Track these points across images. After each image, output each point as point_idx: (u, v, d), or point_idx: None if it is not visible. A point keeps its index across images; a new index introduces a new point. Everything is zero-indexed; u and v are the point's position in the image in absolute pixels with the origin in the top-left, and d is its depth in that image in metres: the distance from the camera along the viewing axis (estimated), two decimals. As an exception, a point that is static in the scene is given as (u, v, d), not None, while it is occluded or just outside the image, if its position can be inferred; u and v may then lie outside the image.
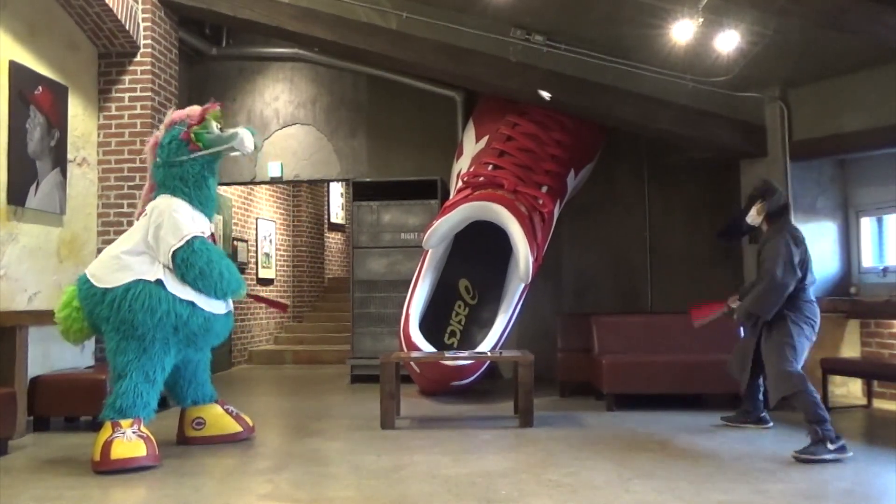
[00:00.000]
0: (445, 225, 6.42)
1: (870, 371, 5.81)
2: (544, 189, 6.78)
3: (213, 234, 4.59)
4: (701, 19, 5.16)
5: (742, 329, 5.07)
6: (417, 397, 6.64)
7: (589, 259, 8.17)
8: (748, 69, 6.01)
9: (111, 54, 6.49)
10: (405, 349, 6.17)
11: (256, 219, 10.54)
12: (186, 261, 4.21)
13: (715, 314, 5.05)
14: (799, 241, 4.56)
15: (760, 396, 5.03)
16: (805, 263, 4.52)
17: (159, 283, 4.17)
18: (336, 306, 11.74)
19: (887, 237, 6.60)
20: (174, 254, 4.21)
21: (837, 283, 6.63)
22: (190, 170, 4.44)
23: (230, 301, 4.58)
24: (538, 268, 6.64)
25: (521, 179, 6.68)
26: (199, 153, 4.43)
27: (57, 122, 5.84)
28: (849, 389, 6.44)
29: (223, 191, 9.28)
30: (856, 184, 6.69)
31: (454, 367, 6.07)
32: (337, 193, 13.70)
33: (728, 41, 5.44)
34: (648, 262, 8.13)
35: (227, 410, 4.79)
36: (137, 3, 6.42)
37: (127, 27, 6.23)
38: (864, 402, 6.00)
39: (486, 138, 7.19)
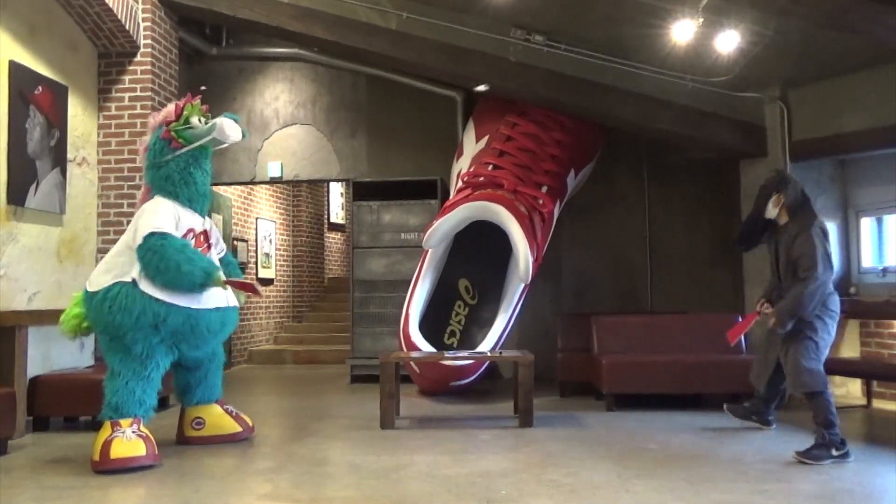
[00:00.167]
0: (445, 225, 6.42)
1: (869, 371, 5.81)
2: (544, 189, 6.78)
3: (206, 231, 4.55)
4: (701, 19, 5.16)
5: (769, 336, 4.73)
6: (417, 397, 6.64)
7: (589, 259, 8.18)
8: (748, 69, 6.01)
9: (111, 54, 6.49)
10: (405, 349, 6.17)
11: (256, 219, 10.55)
12: (143, 259, 4.16)
13: (750, 326, 4.80)
14: (826, 232, 4.40)
15: (775, 404, 4.91)
16: (830, 255, 4.40)
17: (134, 283, 4.16)
18: (336, 306, 11.74)
19: (887, 237, 6.60)
20: (136, 250, 4.20)
21: (837, 283, 6.60)
22: (175, 168, 4.41)
23: (226, 296, 4.47)
24: (538, 268, 6.65)
25: (521, 179, 6.68)
26: (183, 150, 4.40)
27: (57, 121, 5.84)
28: (848, 390, 6.44)
29: (223, 191, 9.29)
30: (855, 184, 6.69)
31: (454, 367, 6.07)
32: (337, 193, 13.70)
33: (728, 41, 5.44)
34: (648, 262, 8.13)
35: (226, 410, 4.79)
36: (137, 2, 6.42)
37: (127, 27, 6.22)
38: (863, 402, 6.00)
39: (486, 138, 7.19)
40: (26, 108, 5.47)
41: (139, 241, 4.17)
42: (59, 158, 5.85)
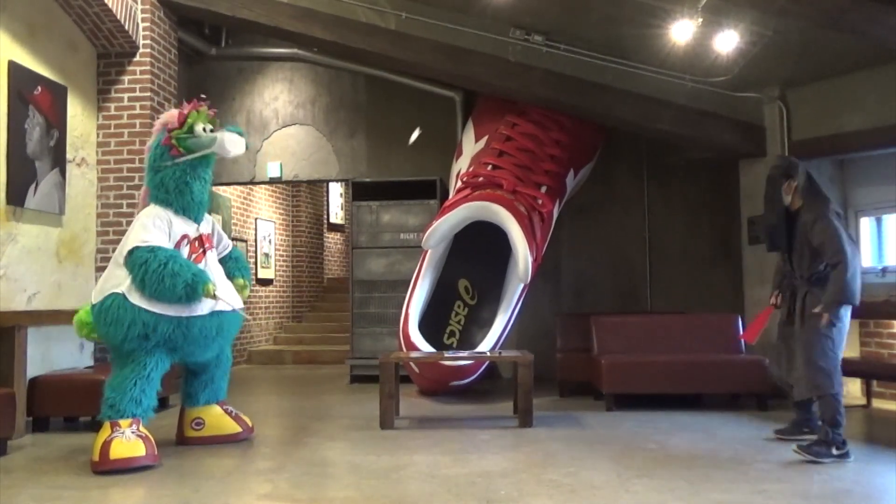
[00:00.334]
0: (445, 225, 6.42)
1: (869, 371, 5.81)
2: (543, 189, 6.78)
3: (201, 236, 4.50)
4: (700, 19, 5.16)
5: (784, 329, 4.57)
6: (417, 397, 6.64)
7: (588, 259, 8.18)
8: (748, 69, 6.01)
9: (110, 54, 6.48)
10: (404, 349, 6.17)
11: (256, 219, 10.54)
12: (130, 272, 4.18)
13: (766, 323, 4.68)
14: (840, 215, 4.30)
15: (816, 406, 4.48)
16: (852, 236, 4.28)
17: (124, 295, 4.17)
18: (335, 306, 11.74)
19: (886, 237, 6.61)
20: (125, 266, 4.21)
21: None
22: (171, 175, 4.37)
23: (226, 299, 4.43)
24: (537, 268, 6.65)
25: (521, 179, 6.68)
26: (181, 158, 4.36)
27: (56, 122, 5.84)
28: (848, 389, 6.43)
29: (222, 191, 9.28)
30: (855, 184, 6.69)
31: (453, 367, 6.07)
32: (336, 193, 13.70)
33: (727, 41, 5.45)
34: (648, 262, 8.13)
35: (226, 411, 4.79)
36: (137, 3, 6.41)
37: (126, 27, 6.22)
38: (863, 402, 6.00)
39: (485, 138, 7.19)
40: (25, 108, 5.47)
41: (124, 254, 4.21)
42: (58, 159, 5.85)
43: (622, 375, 5.83)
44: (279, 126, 8.50)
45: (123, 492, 3.64)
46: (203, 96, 4.62)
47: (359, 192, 7.87)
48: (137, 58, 6.48)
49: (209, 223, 4.65)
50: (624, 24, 5.81)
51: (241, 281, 4.82)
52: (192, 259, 4.36)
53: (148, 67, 6.48)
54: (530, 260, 6.22)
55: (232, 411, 4.82)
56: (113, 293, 4.20)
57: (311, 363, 9.92)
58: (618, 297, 8.09)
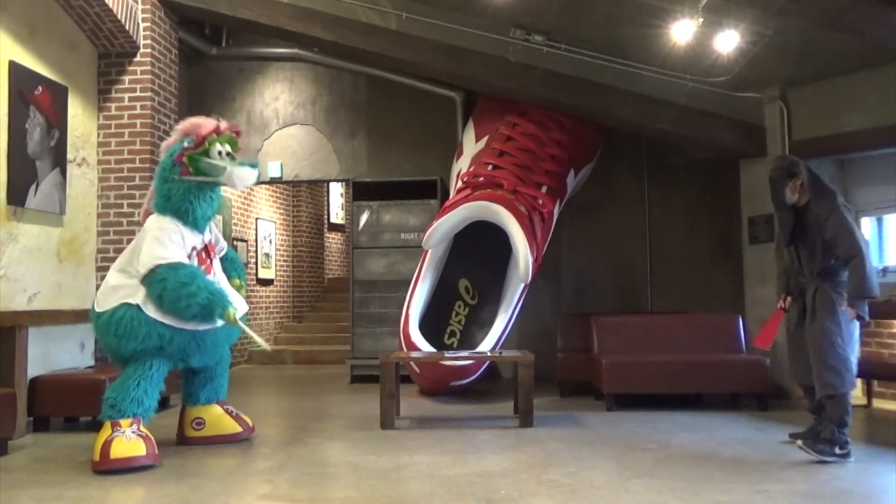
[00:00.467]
0: (445, 225, 6.42)
1: (869, 371, 5.80)
2: (544, 189, 6.78)
3: (206, 246, 4.50)
4: (701, 19, 5.16)
5: (794, 331, 4.49)
6: (417, 397, 6.64)
7: (589, 259, 8.18)
8: (748, 69, 6.01)
9: (111, 54, 6.49)
10: (405, 349, 6.17)
11: (256, 219, 10.54)
12: (148, 288, 4.17)
13: (778, 327, 4.61)
14: (849, 208, 4.27)
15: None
16: (861, 231, 4.25)
17: (139, 308, 4.16)
18: (336, 306, 11.74)
19: (887, 237, 6.60)
20: (141, 280, 4.19)
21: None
22: (177, 191, 4.33)
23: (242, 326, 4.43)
24: (538, 268, 6.65)
25: (521, 179, 6.68)
26: (189, 178, 4.32)
27: (57, 122, 5.84)
28: (849, 389, 6.43)
29: (223, 191, 9.25)
30: (855, 184, 6.68)
31: (454, 367, 6.07)
32: (337, 193, 13.70)
33: (728, 41, 5.44)
34: (648, 262, 8.13)
35: (227, 410, 4.79)
36: (137, 3, 6.42)
37: (127, 27, 6.23)
38: (863, 402, 5.99)
39: (485, 138, 7.19)
40: (26, 108, 5.47)
41: (143, 271, 4.16)
42: (58, 159, 5.85)
43: (622, 375, 5.83)
44: (280, 126, 8.51)
45: (124, 491, 3.65)
46: (237, 129, 4.52)
47: (359, 191, 7.87)
48: (138, 58, 6.48)
49: (210, 228, 4.65)
50: (624, 24, 5.81)
51: (237, 281, 4.84)
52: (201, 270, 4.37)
53: (148, 67, 6.48)
54: (531, 260, 6.22)
55: (232, 411, 4.82)
56: (125, 304, 4.17)
57: (311, 363, 9.92)
58: (618, 297, 8.09)
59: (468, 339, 6.94)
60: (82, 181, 6.26)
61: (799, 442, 4.15)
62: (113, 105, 6.49)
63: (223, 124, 4.40)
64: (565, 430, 5.04)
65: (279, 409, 6.40)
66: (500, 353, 5.84)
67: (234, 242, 9.67)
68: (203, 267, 4.41)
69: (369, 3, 6.42)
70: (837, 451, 4.05)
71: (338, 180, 9.44)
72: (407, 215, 7.73)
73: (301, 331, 11.24)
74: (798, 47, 5.77)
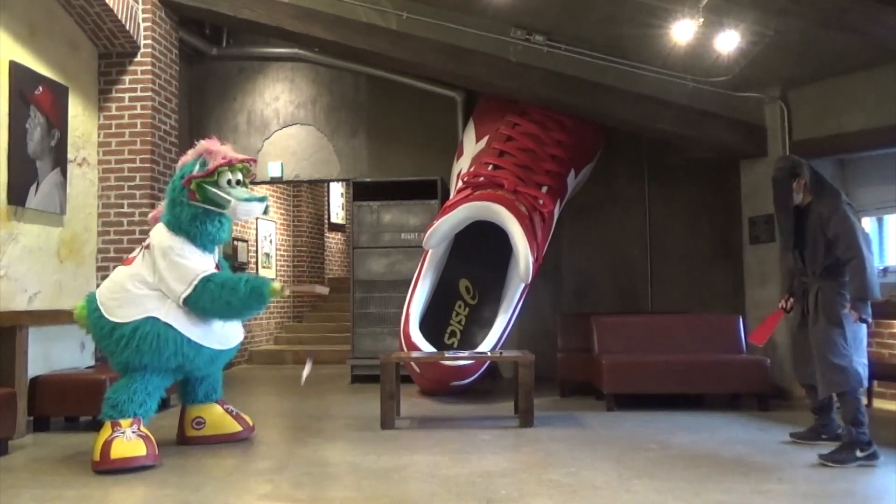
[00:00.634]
0: (446, 225, 6.42)
1: (869, 371, 5.78)
2: (544, 189, 6.78)
3: (216, 266, 4.49)
4: (701, 19, 5.16)
5: (796, 331, 4.50)
6: (417, 397, 6.64)
7: (589, 259, 8.18)
8: (748, 69, 6.01)
9: (111, 54, 6.49)
10: (405, 349, 6.17)
11: (256, 219, 10.54)
12: (196, 304, 4.20)
13: (775, 326, 4.62)
14: (852, 206, 4.26)
15: (835, 412, 4.46)
16: (864, 230, 4.24)
17: (169, 324, 4.15)
18: (336, 306, 11.73)
19: (887, 237, 6.60)
20: (185, 299, 4.19)
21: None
22: (186, 214, 4.31)
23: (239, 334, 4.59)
24: (538, 268, 6.64)
25: (522, 179, 6.68)
26: (196, 203, 4.29)
27: (57, 122, 5.85)
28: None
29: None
30: (856, 184, 6.68)
31: (454, 367, 6.07)
32: (337, 193, 13.70)
33: (728, 41, 5.44)
34: (648, 262, 8.13)
35: (227, 410, 4.79)
36: (138, 3, 6.42)
37: (127, 27, 6.23)
38: (864, 402, 5.98)
39: (486, 138, 7.19)
40: (27, 108, 5.47)
41: (189, 289, 4.15)
42: (59, 159, 5.86)
43: (623, 375, 5.83)
44: (280, 126, 8.51)
45: (124, 491, 3.65)
46: (252, 159, 4.51)
47: (359, 191, 7.87)
48: (138, 58, 6.48)
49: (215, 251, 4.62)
50: (625, 24, 5.81)
51: None
52: None
53: (149, 67, 6.48)
54: (531, 260, 6.22)
55: (233, 410, 4.82)
56: (151, 317, 4.14)
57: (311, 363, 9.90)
58: (618, 297, 8.09)
59: (468, 339, 6.94)
60: (83, 181, 6.26)
61: (818, 455, 4.04)
62: (113, 105, 6.49)
63: (237, 157, 4.37)
64: (566, 430, 5.04)
65: (279, 409, 6.40)
66: (501, 353, 5.84)
67: (235, 242, 9.67)
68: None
69: (370, 3, 6.42)
70: (859, 453, 3.98)
71: (338, 180, 9.43)
72: (407, 215, 7.73)
73: (301, 331, 11.23)
74: (798, 47, 5.77)
